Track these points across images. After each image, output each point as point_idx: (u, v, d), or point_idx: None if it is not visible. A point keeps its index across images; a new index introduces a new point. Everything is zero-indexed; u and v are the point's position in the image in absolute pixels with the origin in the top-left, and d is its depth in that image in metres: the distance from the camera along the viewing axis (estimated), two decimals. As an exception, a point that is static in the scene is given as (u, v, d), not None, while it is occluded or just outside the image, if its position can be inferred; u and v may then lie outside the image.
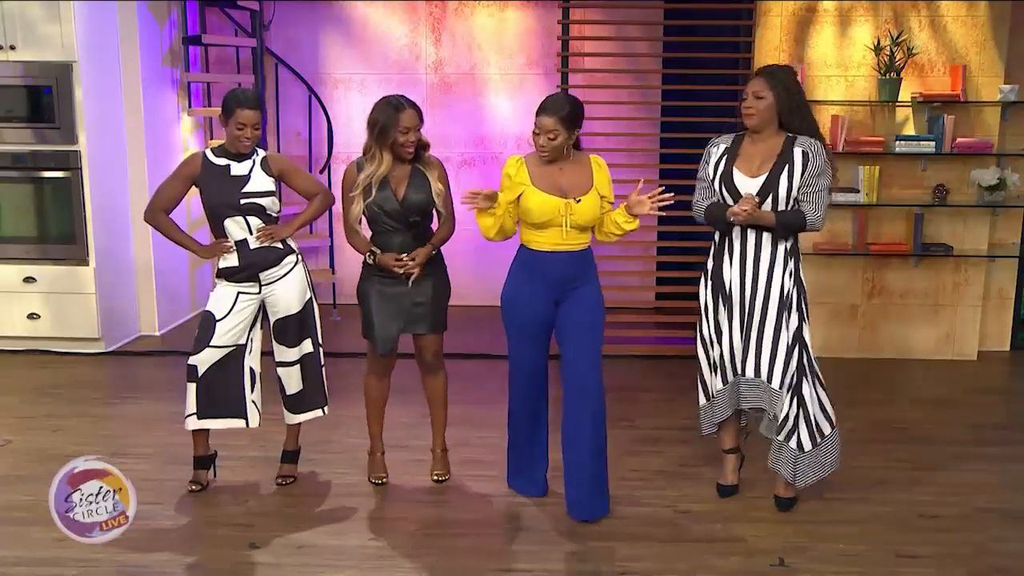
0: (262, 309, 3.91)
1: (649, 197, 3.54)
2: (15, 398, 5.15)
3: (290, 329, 3.89)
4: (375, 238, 3.81)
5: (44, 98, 5.68)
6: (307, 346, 3.94)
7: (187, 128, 6.81)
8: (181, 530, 3.63)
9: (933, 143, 5.72)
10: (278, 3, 7.04)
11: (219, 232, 3.81)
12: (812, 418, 3.66)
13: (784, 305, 3.64)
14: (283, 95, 7.17)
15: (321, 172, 7.17)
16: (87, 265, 5.85)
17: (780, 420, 3.65)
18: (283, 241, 3.85)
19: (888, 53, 5.66)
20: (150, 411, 4.90)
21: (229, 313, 3.80)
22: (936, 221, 5.94)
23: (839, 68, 5.85)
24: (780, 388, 3.63)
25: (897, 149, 5.75)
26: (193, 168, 3.80)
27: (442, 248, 3.90)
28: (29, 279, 5.86)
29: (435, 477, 4.06)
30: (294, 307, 3.88)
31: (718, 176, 3.69)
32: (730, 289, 3.71)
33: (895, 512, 3.79)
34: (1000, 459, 4.37)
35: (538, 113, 3.54)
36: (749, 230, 3.65)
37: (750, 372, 3.69)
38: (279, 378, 3.96)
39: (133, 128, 6.16)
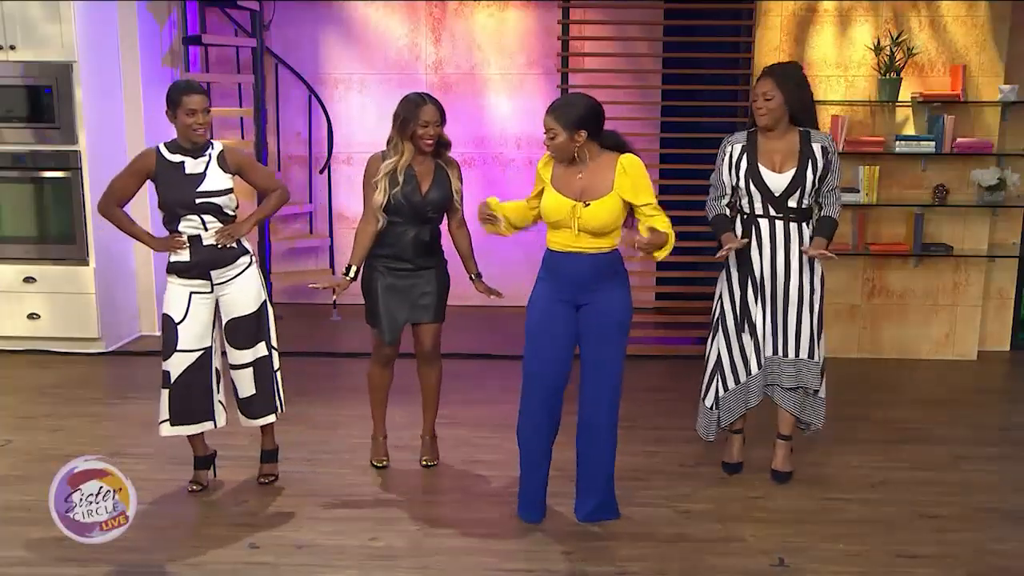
0: (217, 308, 3.84)
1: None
2: (15, 398, 5.14)
3: (243, 330, 3.81)
4: (391, 230, 3.91)
5: (44, 98, 5.68)
6: (261, 349, 3.86)
7: (187, 128, 6.80)
8: (181, 530, 3.62)
9: (933, 143, 5.72)
10: (278, 3, 7.04)
11: (173, 227, 3.71)
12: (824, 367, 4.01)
13: (820, 286, 3.91)
14: (283, 95, 7.17)
15: (321, 172, 7.18)
16: (87, 265, 5.86)
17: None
18: (237, 241, 3.78)
19: (888, 53, 5.66)
20: (150, 411, 4.87)
21: (186, 316, 3.71)
22: (936, 221, 5.94)
23: (839, 68, 5.84)
24: (817, 360, 3.90)
25: (897, 149, 5.75)
26: (146, 164, 3.69)
27: (444, 247, 4.06)
28: (29, 279, 5.87)
29: (424, 462, 4.20)
30: (249, 307, 3.80)
31: (742, 173, 3.85)
32: (761, 278, 3.87)
33: (895, 512, 3.79)
34: (1000, 459, 4.37)
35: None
36: (777, 222, 3.83)
37: (791, 354, 3.88)
38: (232, 381, 3.87)
39: (133, 128, 6.16)
